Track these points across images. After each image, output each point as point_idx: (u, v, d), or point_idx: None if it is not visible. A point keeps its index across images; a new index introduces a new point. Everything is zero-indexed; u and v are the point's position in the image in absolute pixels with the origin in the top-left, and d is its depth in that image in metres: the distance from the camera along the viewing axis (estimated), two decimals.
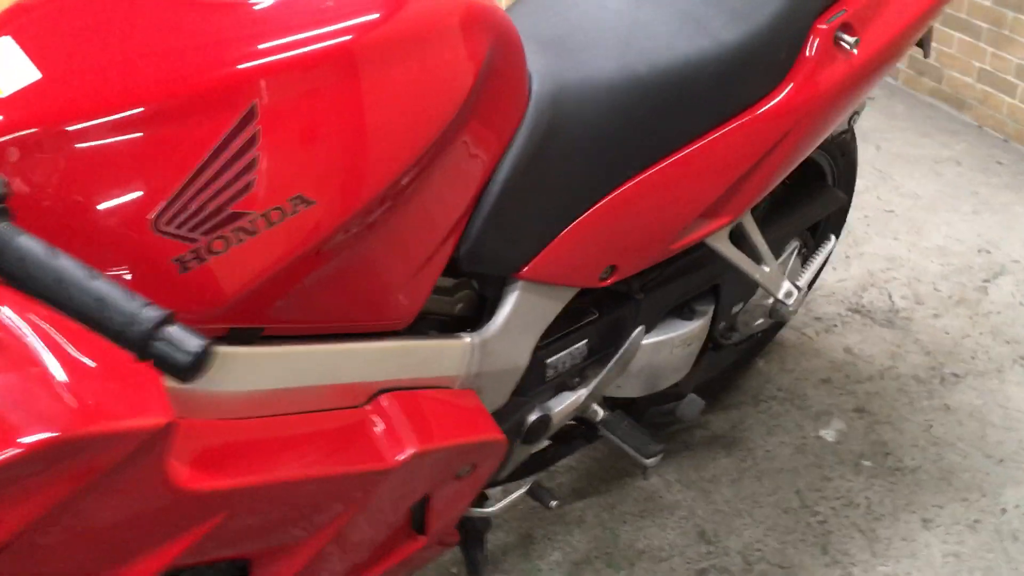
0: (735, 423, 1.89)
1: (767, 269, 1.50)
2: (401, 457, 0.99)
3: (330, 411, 0.99)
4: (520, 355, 1.21)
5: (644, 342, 1.44)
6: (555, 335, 1.33)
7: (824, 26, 1.26)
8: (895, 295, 2.21)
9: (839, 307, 2.19)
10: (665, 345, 1.47)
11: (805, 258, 1.78)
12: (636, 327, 1.39)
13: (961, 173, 2.67)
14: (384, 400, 1.03)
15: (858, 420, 1.87)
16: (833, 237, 1.63)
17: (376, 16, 0.86)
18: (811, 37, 1.26)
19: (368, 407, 1.02)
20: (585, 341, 1.36)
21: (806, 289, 1.61)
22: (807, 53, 1.26)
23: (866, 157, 2.75)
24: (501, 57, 1.00)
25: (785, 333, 2.11)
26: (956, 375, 1.97)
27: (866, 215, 2.51)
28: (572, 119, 1.12)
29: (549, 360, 1.32)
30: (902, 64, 3.16)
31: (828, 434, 1.85)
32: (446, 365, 1.10)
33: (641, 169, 1.19)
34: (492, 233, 1.07)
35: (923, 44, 1.67)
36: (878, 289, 2.24)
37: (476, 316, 1.20)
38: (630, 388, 1.50)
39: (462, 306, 1.19)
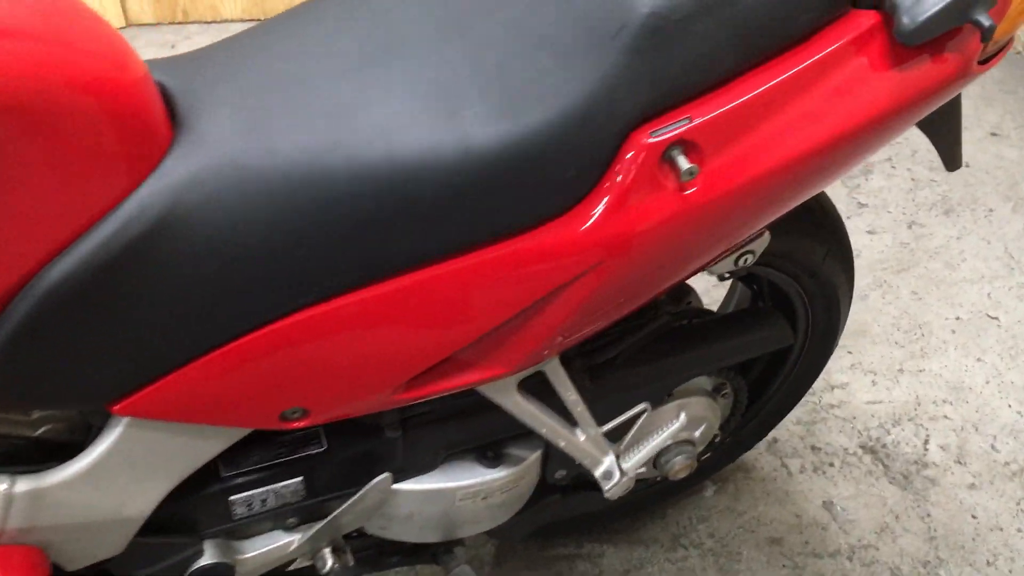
0: (633, 567, 1.49)
1: (580, 436, 1.09)
2: None
3: None
4: (132, 503, 0.92)
5: (407, 488, 1.10)
6: (249, 466, 1.02)
7: (648, 140, 0.82)
8: (933, 441, 1.68)
9: (850, 439, 1.69)
10: (442, 495, 1.11)
11: (728, 422, 1.34)
12: (384, 470, 1.06)
13: None
14: None
15: None
16: (683, 414, 1.18)
17: None
18: (625, 151, 0.83)
19: None
20: (301, 479, 1.03)
21: (631, 477, 1.18)
22: (616, 173, 0.83)
23: (1004, 232, 2.14)
24: (33, 128, 0.67)
25: (760, 457, 1.66)
26: None
27: (958, 316, 1.94)
28: (216, 218, 0.78)
29: (235, 497, 1.02)
30: None
31: None
32: None
33: (325, 296, 0.84)
34: (31, 355, 0.77)
35: (942, 152, 1.16)
36: (915, 427, 1.71)
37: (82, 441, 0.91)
38: (407, 533, 1.17)
39: (51, 429, 0.90)
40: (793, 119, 0.86)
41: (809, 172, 0.89)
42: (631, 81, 0.80)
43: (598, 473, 1.12)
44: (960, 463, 1.64)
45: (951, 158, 1.16)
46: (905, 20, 0.82)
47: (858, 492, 1.60)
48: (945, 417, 1.73)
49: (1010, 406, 1.74)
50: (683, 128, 0.82)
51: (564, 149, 0.81)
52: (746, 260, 1.03)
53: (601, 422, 1.10)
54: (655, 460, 1.28)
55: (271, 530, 1.08)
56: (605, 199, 0.84)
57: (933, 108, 0.93)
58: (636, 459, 1.13)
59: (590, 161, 0.83)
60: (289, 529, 1.08)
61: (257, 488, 1.02)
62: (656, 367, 1.16)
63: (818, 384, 1.79)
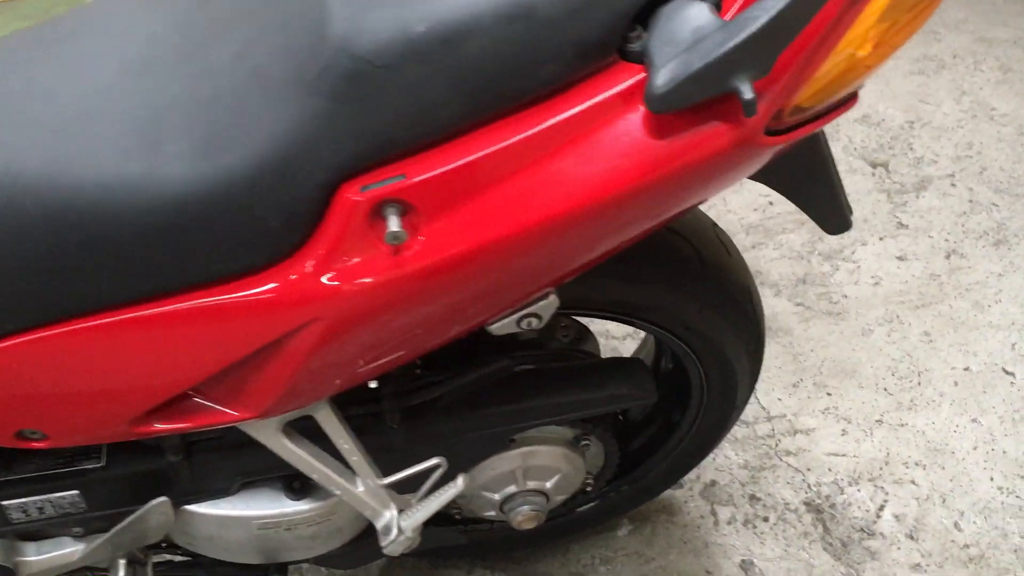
0: None
1: (357, 486, 1.03)
2: None
3: None
4: None
5: (200, 511, 1.07)
6: (24, 473, 1.02)
7: (357, 195, 0.74)
8: (889, 509, 1.52)
9: (796, 493, 1.54)
10: (237, 522, 1.08)
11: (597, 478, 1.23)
12: (166, 493, 1.03)
13: None
14: None
15: None
16: (461, 478, 1.07)
17: None
18: (335, 205, 0.75)
19: None
20: (77, 492, 1.02)
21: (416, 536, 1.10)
22: (327, 228, 0.76)
23: None
24: None
25: (690, 500, 1.54)
26: None
27: (967, 367, 1.73)
28: None
29: (9, 502, 1.02)
30: None
31: None
32: None
33: (33, 324, 0.81)
34: None
35: (816, 218, 1.01)
36: (874, 489, 1.55)
37: None
38: (215, 552, 1.15)
39: None
40: (530, 185, 0.76)
41: (556, 243, 0.78)
42: (334, 129, 0.72)
43: (379, 526, 1.06)
44: (912, 538, 1.47)
45: (830, 223, 1.01)
46: (656, 83, 0.69)
47: (785, 554, 1.46)
48: (912, 482, 1.55)
49: (992, 479, 1.54)
50: (396, 185, 0.73)
51: (264, 197, 0.74)
52: (530, 323, 0.93)
53: (395, 470, 1.03)
54: (501, 506, 1.20)
55: (57, 536, 1.07)
56: (314, 254, 0.77)
57: (722, 182, 0.80)
58: (416, 518, 1.06)
59: (295, 212, 0.76)
60: (76, 537, 1.07)
61: (32, 496, 1.01)
62: (482, 415, 1.08)
63: (780, 426, 1.64)
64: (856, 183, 2.17)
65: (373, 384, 1.03)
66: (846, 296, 1.89)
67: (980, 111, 2.39)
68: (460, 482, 1.06)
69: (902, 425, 1.63)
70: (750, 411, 1.67)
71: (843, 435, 1.62)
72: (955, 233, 2.03)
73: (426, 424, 1.06)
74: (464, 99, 0.73)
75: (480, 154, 0.74)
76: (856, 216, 2.08)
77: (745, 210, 2.11)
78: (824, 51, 0.74)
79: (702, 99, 0.70)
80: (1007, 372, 1.72)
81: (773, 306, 1.87)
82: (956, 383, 1.70)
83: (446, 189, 0.74)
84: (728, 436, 1.63)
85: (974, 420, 1.64)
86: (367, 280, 0.76)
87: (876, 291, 1.89)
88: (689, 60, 0.68)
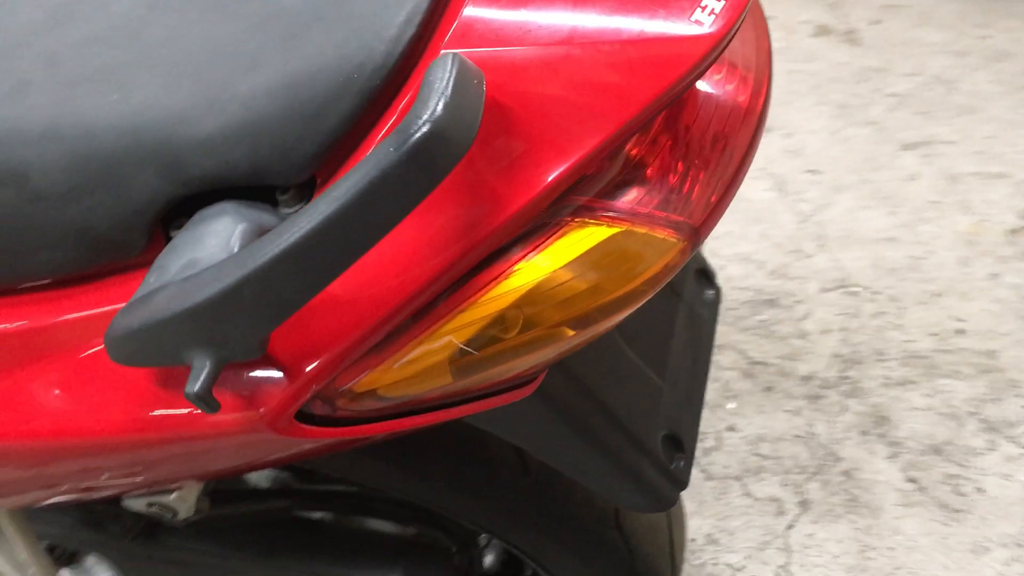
0: None
1: None
2: None
3: None
4: None
5: None
6: None
7: None
8: None
9: None
10: None
11: None
12: None
13: None
14: None
15: None
16: None
17: None
18: None
19: None
20: None
21: None
22: None
23: None
24: None
25: None
26: None
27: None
28: None
29: None
30: None
31: None
32: None
33: None
34: None
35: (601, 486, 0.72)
36: None
37: None
38: None
39: None
40: (10, 392, 0.59)
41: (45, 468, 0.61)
42: None
43: None
44: None
45: (628, 501, 0.71)
46: (110, 326, 0.49)
47: None
48: None
49: None
50: None
51: None
52: (164, 516, 0.74)
53: None
54: None
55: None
56: None
57: (236, 464, 0.57)
58: None
59: None
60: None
61: None
62: (223, 556, 0.91)
63: None
64: None
65: None
66: (981, 490, 1.43)
67: None
68: None
69: None
70: None
71: None
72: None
73: (160, 550, 0.92)
74: None
75: None
76: None
77: (919, 332, 1.67)
78: (411, 334, 0.49)
79: (154, 365, 0.49)
80: None
81: (877, 470, 1.46)
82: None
83: None
84: None
85: None
86: None
87: None
88: (139, 308, 0.46)
